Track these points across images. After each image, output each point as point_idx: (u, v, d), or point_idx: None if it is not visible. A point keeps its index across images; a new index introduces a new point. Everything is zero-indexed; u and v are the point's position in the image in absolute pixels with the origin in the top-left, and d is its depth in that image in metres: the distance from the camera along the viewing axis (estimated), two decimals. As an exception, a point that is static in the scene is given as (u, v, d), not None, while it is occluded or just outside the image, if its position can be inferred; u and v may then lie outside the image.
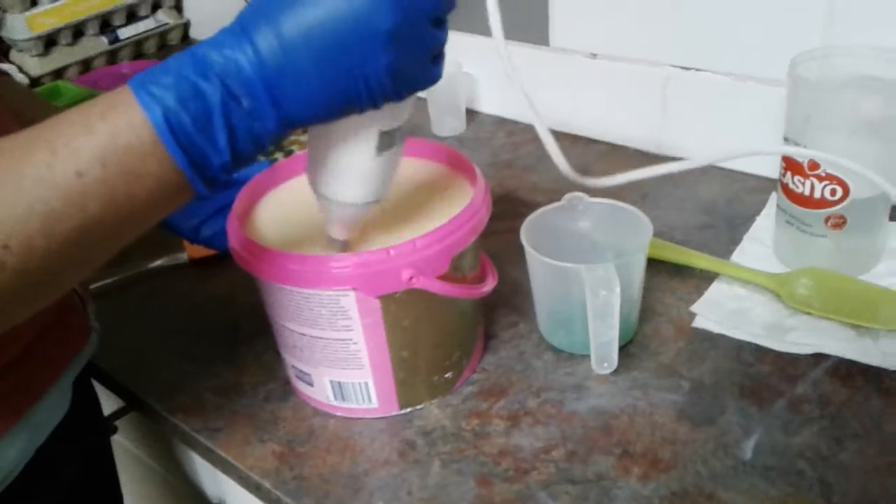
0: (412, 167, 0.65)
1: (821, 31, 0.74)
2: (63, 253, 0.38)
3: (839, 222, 0.65)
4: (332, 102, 0.41)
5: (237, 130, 0.40)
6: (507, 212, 0.77)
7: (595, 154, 0.93)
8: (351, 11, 0.38)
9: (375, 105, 0.42)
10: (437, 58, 0.43)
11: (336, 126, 0.45)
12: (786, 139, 0.66)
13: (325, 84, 0.40)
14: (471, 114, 1.05)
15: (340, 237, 0.54)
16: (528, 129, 1.00)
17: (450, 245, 0.54)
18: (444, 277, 0.54)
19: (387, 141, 0.48)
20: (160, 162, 0.39)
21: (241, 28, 0.39)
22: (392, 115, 0.46)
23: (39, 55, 1.25)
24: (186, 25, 1.45)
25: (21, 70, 1.26)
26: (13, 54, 1.28)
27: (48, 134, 0.38)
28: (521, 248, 0.62)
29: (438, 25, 0.42)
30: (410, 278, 0.52)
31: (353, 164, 0.48)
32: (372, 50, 0.39)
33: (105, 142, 0.38)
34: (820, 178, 0.64)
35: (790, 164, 0.66)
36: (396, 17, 0.39)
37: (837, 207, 0.64)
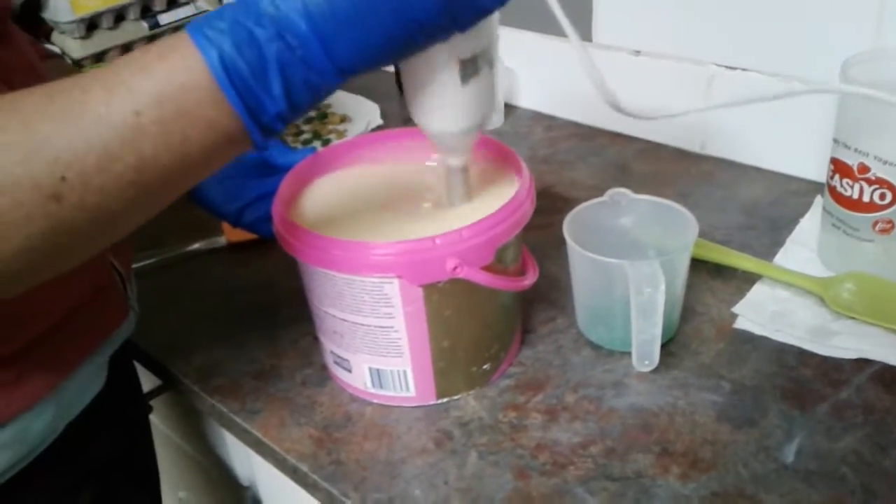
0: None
1: (870, 34, 0.73)
2: (118, 192, 0.39)
3: (887, 227, 0.64)
4: (387, 48, 0.41)
5: (292, 79, 0.40)
6: (546, 207, 0.77)
7: (634, 151, 0.93)
8: None
9: (437, 40, 0.42)
10: None
11: (416, 60, 0.44)
12: (835, 141, 0.65)
13: (374, 31, 0.39)
14: (508, 108, 1.05)
15: (455, 164, 0.54)
16: (567, 125, 1.00)
17: (495, 236, 0.54)
18: (487, 269, 0.54)
19: (470, 69, 0.47)
20: (216, 105, 0.39)
21: None
22: (469, 43, 0.45)
23: (81, 38, 1.26)
24: (225, 12, 1.45)
25: (63, 52, 1.27)
26: (55, 36, 1.29)
27: (106, 74, 0.39)
28: (559, 243, 0.61)
29: None
30: (455, 268, 0.52)
31: (442, 94, 0.48)
32: None
33: (162, 82, 0.38)
34: (869, 182, 0.63)
35: (839, 167, 0.65)
36: None
37: (887, 212, 0.63)
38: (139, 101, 0.38)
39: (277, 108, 0.40)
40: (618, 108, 0.51)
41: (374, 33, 0.40)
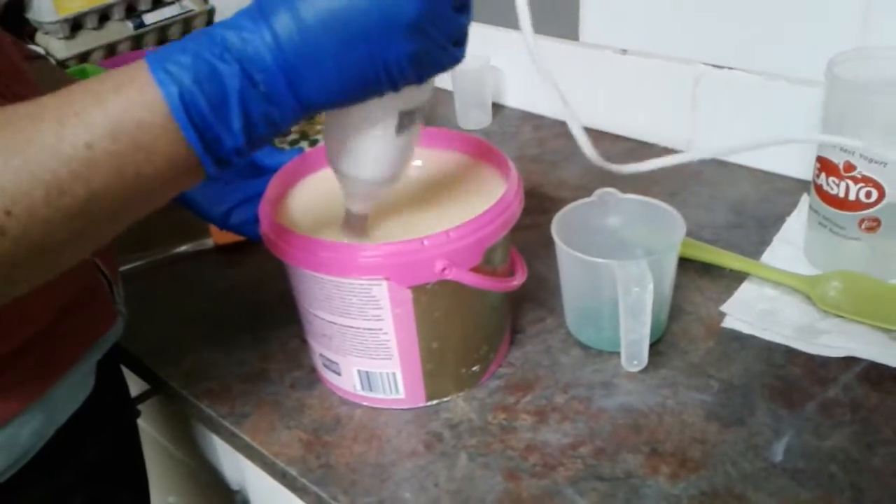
0: (444, 158, 0.65)
1: (856, 32, 0.74)
2: (66, 224, 0.38)
3: (873, 225, 0.64)
4: (351, 88, 0.41)
5: (253, 115, 0.39)
6: (534, 207, 0.77)
7: (622, 151, 0.93)
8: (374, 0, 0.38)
9: (395, 89, 0.42)
10: (459, 41, 0.43)
11: (356, 107, 0.44)
12: (821, 140, 0.65)
13: (343, 70, 0.39)
14: (497, 108, 1.05)
15: (361, 211, 0.54)
16: (555, 124, 1.00)
17: (483, 237, 0.53)
18: (475, 270, 0.54)
19: (406, 121, 0.47)
20: (172, 141, 0.38)
21: (260, 11, 0.39)
22: (413, 95, 0.46)
23: (65, 38, 1.26)
24: (211, 12, 1.45)
25: (47, 52, 1.26)
26: (39, 36, 1.28)
27: (59, 103, 0.38)
28: (547, 243, 0.61)
29: (461, 10, 0.42)
30: (443, 269, 0.52)
31: (373, 143, 0.48)
32: (394, 38, 0.39)
33: (117, 115, 0.37)
34: (855, 181, 0.63)
35: (825, 166, 0.65)
36: (421, 6, 0.38)
37: (872, 210, 0.63)
38: (92, 134, 0.37)
39: (235, 143, 0.40)
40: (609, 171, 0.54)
41: (342, 73, 0.39)
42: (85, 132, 0.37)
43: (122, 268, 0.75)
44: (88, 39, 1.28)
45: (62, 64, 1.26)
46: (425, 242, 0.52)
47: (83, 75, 1.15)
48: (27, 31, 1.29)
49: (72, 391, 0.57)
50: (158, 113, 0.38)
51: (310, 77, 0.39)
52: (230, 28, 0.39)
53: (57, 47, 1.26)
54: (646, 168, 0.56)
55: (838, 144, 0.61)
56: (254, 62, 0.38)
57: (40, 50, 1.25)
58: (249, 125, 0.39)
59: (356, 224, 0.55)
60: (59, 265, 0.41)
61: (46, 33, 1.27)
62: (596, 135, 0.96)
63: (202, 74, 0.38)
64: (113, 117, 0.37)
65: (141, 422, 0.74)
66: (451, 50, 0.42)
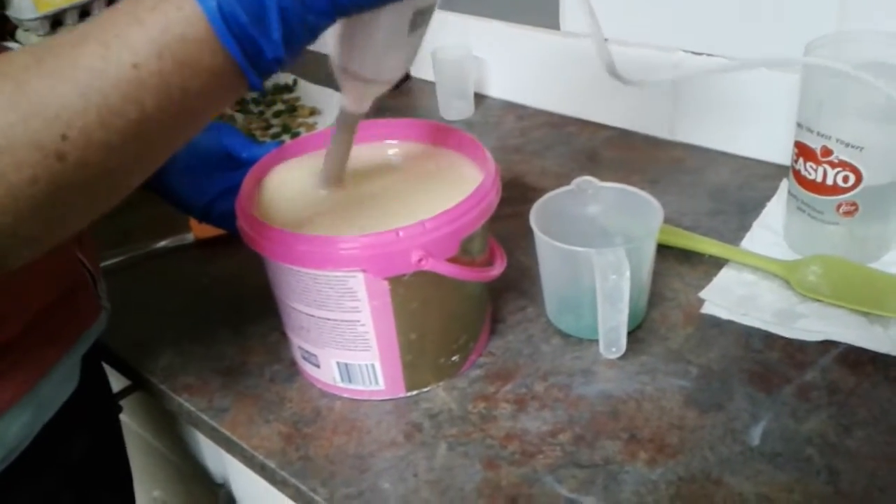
0: (421, 149, 0.65)
1: (834, 17, 0.74)
2: (121, 147, 0.38)
3: (851, 209, 0.64)
4: None
5: (292, 23, 0.39)
6: (516, 196, 0.77)
7: (604, 139, 0.93)
8: None
9: None
10: None
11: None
12: (798, 125, 0.65)
13: None
14: (479, 98, 1.04)
15: (358, 110, 0.54)
16: (537, 114, 1.00)
17: (459, 227, 0.53)
18: (453, 260, 0.54)
19: (420, 20, 0.48)
20: (215, 54, 0.38)
21: None
22: None
23: (46, 35, 1.25)
24: (193, 6, 1.44)
25: (27, 49, 1.25)
26: (19, 34, 1.27)
27: (99, 28, 0.38)
28: (529, 233, 0.61)
29: None
30: (419, 260, 0.52)
31: (386, 41, 0.48)
32: None
33: (159, 34, 0.37)
34: (833, 165, 0.63)
35: (802, 151, 0.65)
36: None
37: (850, 194, 0.63)
38: (137, 54, 0.37)
39: (276, 53, 0.40)
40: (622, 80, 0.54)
41: None
42: (129, 53, 0.37)
43: (103, 263, 0.75)
44: (69, 35, 1.28)
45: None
46: (400, 234, 0.52)
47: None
48: (7, 28, 1.28)
49: (58, 386, 0.57)
50: (199, 27, 0.38)
51: None
52: None
53: (37, 44, 1.25)
54: (657, 78, 0.55)
55: (824, 64, 0.60)
56: None
57: (18, 48, 1.24)
58: (290, 34, 0.39)
59: (346, 131, 0.55)
60: (117, 191, 0.41)
61: (27, 30, 1.26)
62: (579, 124, 0.96)
63: None
64: (155, 36, 0.37)
65: (124, 417, 0.74)
66: None
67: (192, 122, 0.41)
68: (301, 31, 0.40)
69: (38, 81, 0.36)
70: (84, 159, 0.37)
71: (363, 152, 0.64)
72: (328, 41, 0.50)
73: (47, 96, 0.36)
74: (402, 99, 1.07)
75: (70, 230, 0.41)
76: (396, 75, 0.51)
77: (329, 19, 0.41)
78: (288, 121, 1.02)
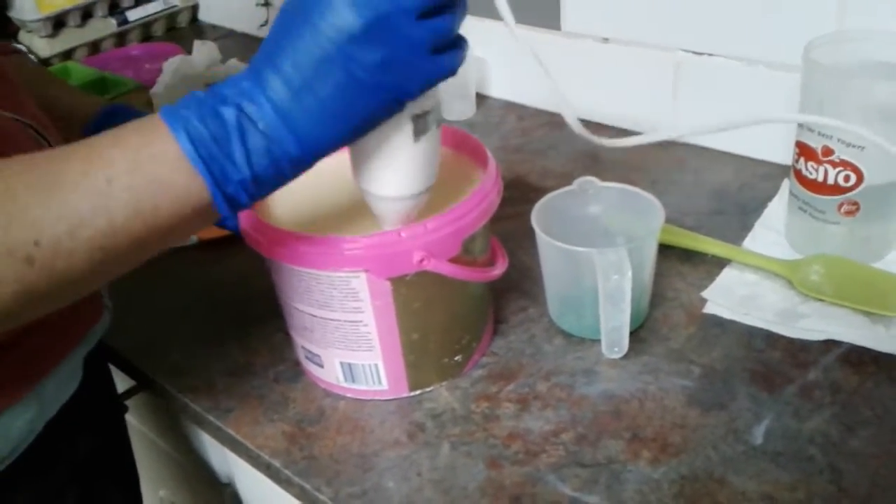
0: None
1: (834, 16, 0.74)
2: (87, 256, 0.41)
3: (852, 209, 0.64)
4: (350, 122, 0.43)
5: (253, 148, 0.42)
6: (518, 197, 0.77)
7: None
8: (320, 20, 0.40)
9: (398, 108, 0.44)
10: (441, 49, 0.43)
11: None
12: (799, 125, 0.65)
13: (326, 100, 0.42)
14: (480, 98, 1.05)
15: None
16: (539, 114, 1.00)
17: (461, 228, 0.54)
18: (455, 260, 0.54)
19: (422, 125, 0.48)
20: (184, 173, 0.41)
21: (255, 70, 0.43)
22: (419, 99, 0.46)
23: (48, 36, 1.25)
24: (195, 8, 1.44)
25: (30, 51, 1.26)
26: (22, 35, 1.28)
27: (86, 146, 0.42)
28: (531, 233, 0.62)
29: (430, 16, 0.41)
30: (421, 260, 0.52)
31: (394, 155, 0.48)
32: (353, 56, 0.41)
33: (134, 152, 0.41)
34: (834, 165, 0.63)
35: (804, 151, 0.65)
36: (364, 16, 0.40)
37: (851, 194, 0.64)
38: (112, 169, 0.40)
39: (241, 175, 0.42)
40: (596, 144, 0.55)
41: (335, 112, 0.42)
42: (105, 168, 0.40)
43: (106, 265, 0.75)
44: (71, 37, 1.28)
45: (45, 62, 1.25)
46: (403, 234, 0.52)
47: (65, 73, 1.15)
48: (10, 29, 1.28)
49: (61, 384, 0.58)
50: (171, 148, 0.41)
51: (297, 111, 0.42)
52: (228, 85, 0.43)
53: (40, 46, 1.26)
54: (628, 143, 0.56)
55: (815, 124, 0.61)
56: (250, 104, 0.42)
57: (22, 47, 1.25)
58: (250, 157, 0.42)
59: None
60: (77, 295, 0.44)
61: (29, 31, 1.26)
62: (581, 124, 0.96)
63: (206, 114, 0.42)
64: (130, 154, 0.41)
65: (130, 417, 0.75)
66: (429, 59, 0.43)
67: (160, 239, 0.43)
68: (264, 160, 0.42)
69: (25, 189, 0.39)
70: (50, 265, 0.40)
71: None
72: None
73: (30, 204, 0.39)
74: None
75: (27, 319, 0.43)
76: (421, 187, 0.50)
77: (300, 155, 0.43)
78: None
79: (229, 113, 0.42)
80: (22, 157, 0.41)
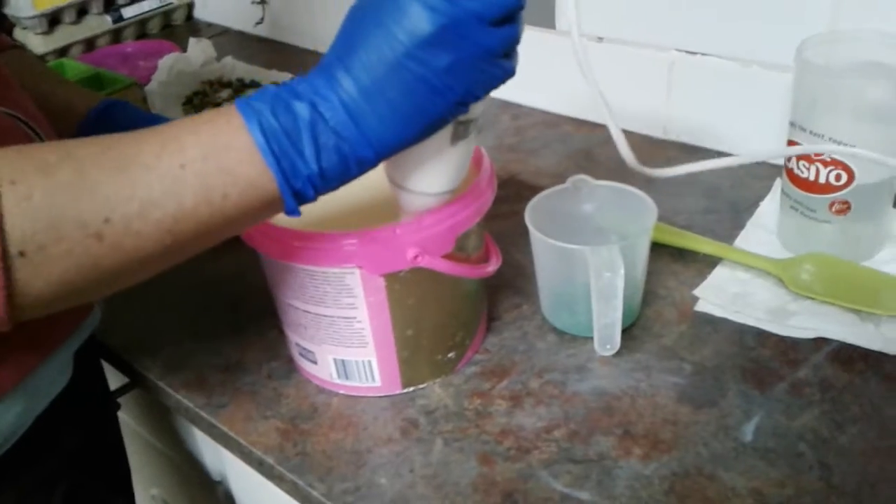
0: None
1: (827, 16, 0.74)
2: (154, 238, 0.42)
3: (843, 208, 0.65)
4: (410, 116, 0.43)
5: (323, 145, 0.43)
6: (512, 195, 0.77)
7: (600, 138, 0.93)
8: (393, 23, 0.41)
9: (464, 111, 0.45)
10: (508, 54, 0.44)
11: None
12: (792, 124, 0.66)
13: (395, 102, 0.42)
14: (475, 97, 1.05)
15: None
16: (533, 113, 1.00)
17: (455, 224, 0.54)
18: (448, 257, 0.54)
19: (462, 131, 0.49)
20: (254, 165, 0.42)
21: (326, 69, 0.43)
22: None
23: (43, 33, 1.25)
24: (190, 5, 1.44)
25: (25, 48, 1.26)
26: (17, 32, 1.28)
27: (157, 132, 0.43)
28: (524, 231, 0.62)
29: (500, 24, 0.42)
30: (415, 257, 0.52)
31: (430, 154, 0.49)
32: (424, 60, 0.41)
33: (207, 140, 0.42)
34: (825, 164, 0.64)
35: (795, 150, 0.66)
36: (436, 19, 0.41)
37: (842, 193, 0.64)
38: (185, 155, 0.42)
39: (308, 171, 0.43)
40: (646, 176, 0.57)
41: (394, 104, 0.43)
42: (179, 154, 0.42)
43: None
44: (67, 34, 1.28)
45: (41, 59, 1.25)
46: (397, 230, 0.52)
47: (61, 70, 1.14)
48: (5, 26, 1.28)
49: (50, 379, 0.58)
50: (243, 138, 0.42)
51: (366, 111, 0.42)
52: (303, 82, 0.44)
53: (35, 43, 1.25)
54: (681, 172, 0.58)
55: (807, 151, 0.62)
56: (321, 100, 0.42)
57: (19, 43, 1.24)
58: (319, 153, 0.43)
59: None
60: (139, 277, 0.45)
61: (24, 28, 1.26)
62: (574, 123, 0.97)
63: (279, 108, 0.42)
64: (204, 142, 0.42)
65: (122, 415, 0.75)
66: (496, 64, 0.44)
67: (225, 227, 0.44)
68: (333, 154, 0.43)
69: (97, 169, 0.41)
70: (119, 243, 0.41)
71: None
72: None
73: (101, 182, 0.40)
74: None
75: (88, 300, 0.45)
76: (447, 187, 0.51)
77: (364, 149, 0.43)
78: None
79: (302, 108, 0.42)
80: (93, 138, 0.42)
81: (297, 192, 0.44)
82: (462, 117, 0.47)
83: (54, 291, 0.41)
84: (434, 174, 0.50)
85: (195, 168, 0.41)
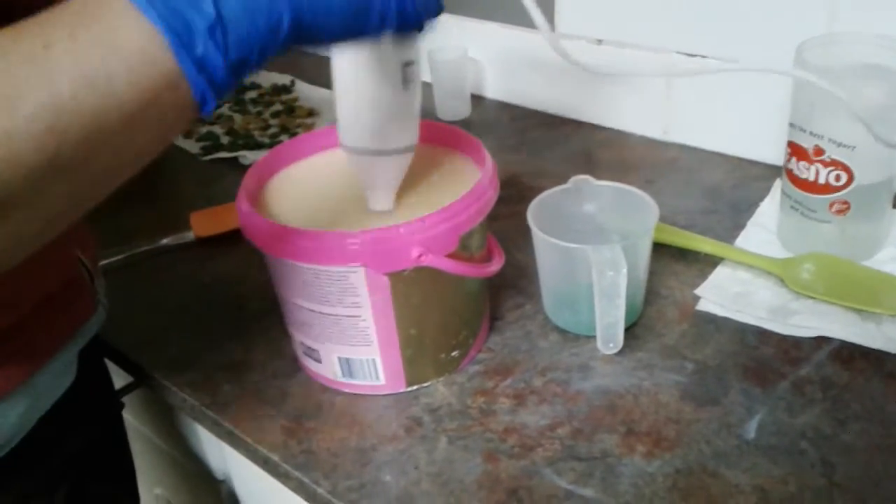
0: (420, 149, 0.65)
1: (825, 20, 0.75)
2: (35, 142, 0.33)
3: (843, 208, 0.65)
4: (348, 17, 0.38)
5: None
6: (513, 196, 0.78)
7: (600, 139, 0.94)
8: None
9: (386, 27, 0.40)
10: None
11: (362, 74, 0.47)
12: (791, 125, 0.66)
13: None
14: (476, 98, 1.05)
15: (385, 207, 0.55)
16: (533, 114, 1.01)
17: (458, 224, 0.54)
18: (452, 256, 0.55)
19: (409, 74, 0.50)
20: (138, 29, 0.34)
21: None
22: (406, 46, 0.48)
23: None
24: None
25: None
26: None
27: (35, 19, 0.34)
28: (526, 231, 0.62)
29: None
30: (419, 256, 0.53)
31: (385, 100, 0.50)
32: None
33: (75, 10, 0.34)
34: (825, 164, 0.64)
35: (795, 150, 0.66)
36: None
37: (842, 193, 0.64)
38: (49, 35, 0.33)
39: (208, 23, 0.34)
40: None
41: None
42: (41, 35, 0.33)
43: (104, 262, 0.76)
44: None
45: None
46: (401, 229, 0.52)
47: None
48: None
49: (54, 379, 0.58)
50: (117, 3, 0.34)
51: None
52: None
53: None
54: (612, 72, 0.60)
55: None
56: None
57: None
58: (223, 5, 0.34)
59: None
60: (42, 211, 0.36)
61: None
62: (575, 124, 0.97)
63: None
64: (70, 17, 0.34)
65: (126, 414, 0.75)
66: None
67: (127, 123, 0.35)
68: (238, 7, 0.35)
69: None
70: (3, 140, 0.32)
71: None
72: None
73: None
74: (399, 100, 1.08)
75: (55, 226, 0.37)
76: (409, 141, 0.52)
77: (287, 27, 0.36)
78: (286, 121, 1.03)
79: None
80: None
81: (200, 60, 0.35)
82: (406, 59, 0.48)
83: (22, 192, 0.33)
84: (394, 125, 0.51)
85: (64, 46, 0.33)
